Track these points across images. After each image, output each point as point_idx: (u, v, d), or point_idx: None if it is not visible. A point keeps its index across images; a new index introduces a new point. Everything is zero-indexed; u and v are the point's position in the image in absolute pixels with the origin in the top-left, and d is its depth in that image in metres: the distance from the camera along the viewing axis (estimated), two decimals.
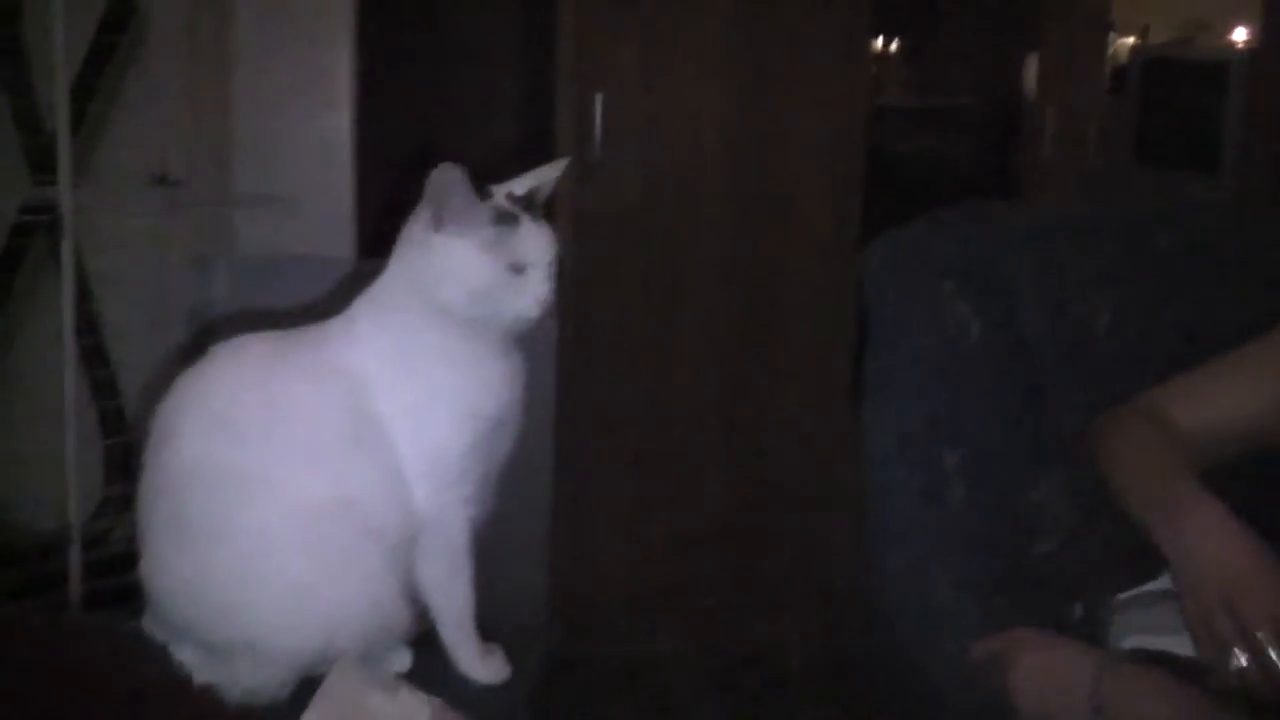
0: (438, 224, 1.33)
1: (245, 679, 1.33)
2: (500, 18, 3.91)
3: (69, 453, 2.39)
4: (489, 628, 1.51)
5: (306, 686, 1.31)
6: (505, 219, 1.34)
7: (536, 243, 1.36)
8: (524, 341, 1.43)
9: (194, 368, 1.39)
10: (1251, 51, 4.01)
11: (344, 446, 1.34)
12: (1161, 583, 1.43)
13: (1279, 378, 1.54)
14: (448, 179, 1.32)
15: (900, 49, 5.20)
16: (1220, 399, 1.57)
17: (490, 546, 1.49)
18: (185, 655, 1.36)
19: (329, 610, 1.33)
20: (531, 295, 1.35)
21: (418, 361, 1.36)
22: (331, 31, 2.99)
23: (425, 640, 1.47)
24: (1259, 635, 1.33)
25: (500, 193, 1.38)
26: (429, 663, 1.46)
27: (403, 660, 1.45)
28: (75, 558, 2.41)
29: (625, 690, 3.26)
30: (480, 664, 1.48)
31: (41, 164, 2.53)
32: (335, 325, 1.41)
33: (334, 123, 3.00)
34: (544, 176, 1.41)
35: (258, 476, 1.31)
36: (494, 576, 1.50)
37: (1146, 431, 1.54)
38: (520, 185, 1.40)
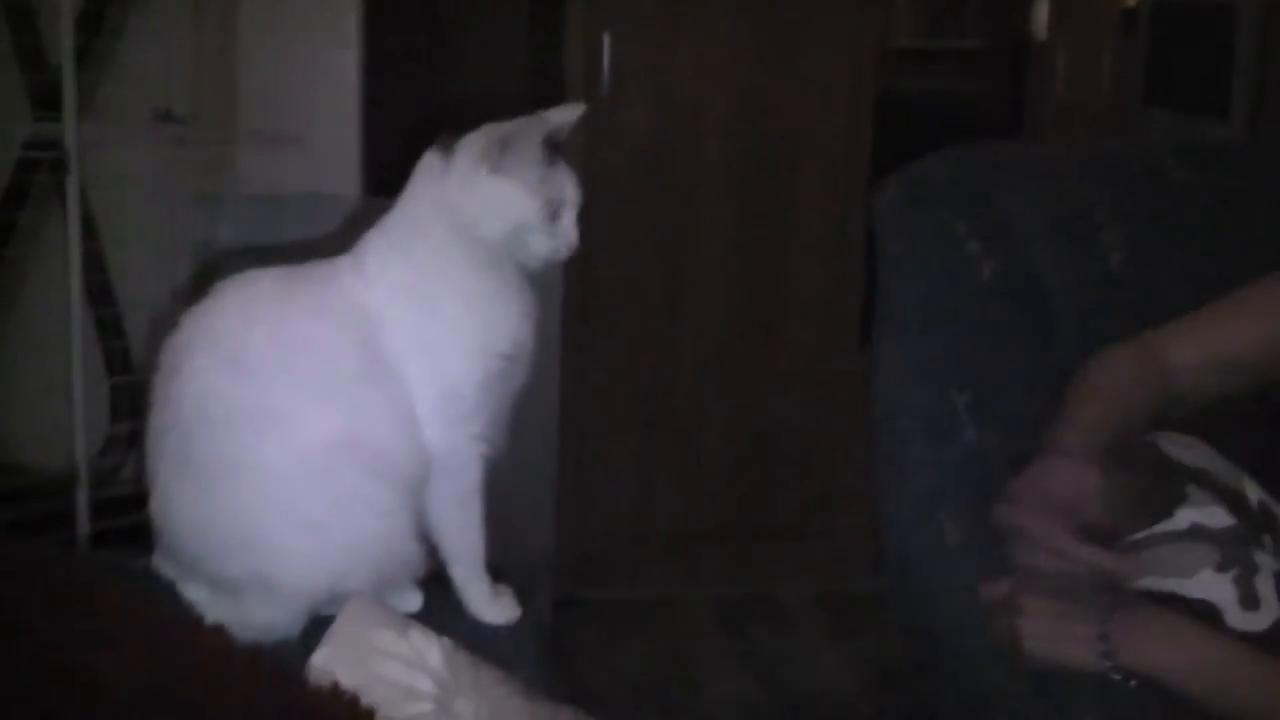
0: (494, 166, 1.34)
1: (255, 616, 1.33)
2: None
3: (76, 391, 2.39)
4: (497, 571, 1.51)
5: (317, 626, 1.31)
6: (550, 161, 1.37)
7: (571, 184, 1.39)
8: (533, 281, 1.43)
9: (202, 303, 1.38)
10: None
11: (354, 382, 1.34)
12: (1172, 524, 1.43)
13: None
14: (527, 126, 1.35)
15: None
16: (1225, 332, 1.56)
17: (498, 491, 1.49)
18: (195, 593, 1.36)
19: (339, 545, 1.33)
20: (564, 237, 1.38)
21: (431, 297, 1.36)
22: None
23: (435, 581, 1.47)
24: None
25: (534, 130, 1.38)
26: (439, 604, 1.46)
27: (414, 601, 1.45)
28: (82, 496, 2.41)
29: (632, 632, 3.28)
30: (490, 604, 1.49)
31: (45, 100, 2.52)
32: (345, 261, 1.40)
33: (341, 60, 2.98)
34: (565, 117, 1.41)
35: (267, 411, 1.31)
36: (502, 520, 1.50)
37: (1115, 369, 1.53)
38: (535, 127, 1.40)
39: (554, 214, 1.37)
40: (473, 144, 1.37)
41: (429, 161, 1.39)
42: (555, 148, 1.39)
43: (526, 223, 1.35)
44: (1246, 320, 1.55)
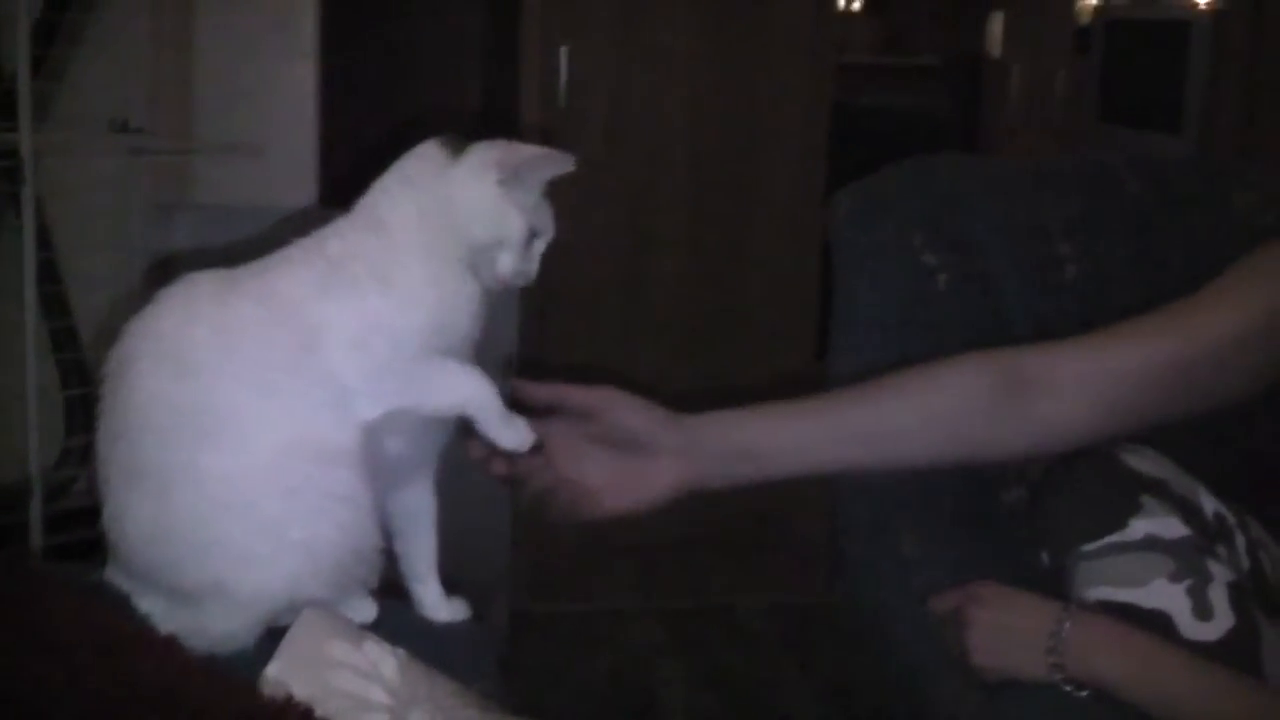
0: (506, 177, 1.37)
1: (212, 626, 1.32)
2: None
3: (30, 403, 2.36)
4: (452, 584, 1.51)
5: (272, 638, 1.30)
6: (543, 192, 1.41)
7: (550, 220, 1.43)
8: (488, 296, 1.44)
9: (144, 310, 1.37)
10: (1214, 11, 4.02)
11: (296, 372, 1.33)
12: (1126, 534, 1.43)
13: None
14: (548, 159, 1.39)
15: (864, 6, 5.19)
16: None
17: (450, 503, 1.49)
18: (150, 605, 1.35)
19: (297, 545, 1.32)
20: (530, 264, 1.41)
21: (389, 272, 1.35)
22: None
23: (389, 593, 1.46)
24: None
25: (527, 158, 1.41)
26: (392, 615, 1.46)
27: (368, 611, 1.44)
28: (36, 509, 2.39)
29: (586, 644, 3.27)
30: (441, 603, 1.50)
31: (0, 109, 2.50)
32: (296, 247, 1.39)
33: (298, 71, 2.97)
34: (565, 166, 1.43)
35: (213, 411, 1.30)
36: (456, 533, 1.50)
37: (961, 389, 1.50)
38: (521, 157, 1.43)
39: (530, 241, 1.40)
40: (491, 151, 1.39)
41: (427, 150, 1.40)
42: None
43: (510, 240, 1.38)
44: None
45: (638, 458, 1.47)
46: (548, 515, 1.47)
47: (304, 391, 1.32)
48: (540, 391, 1.48)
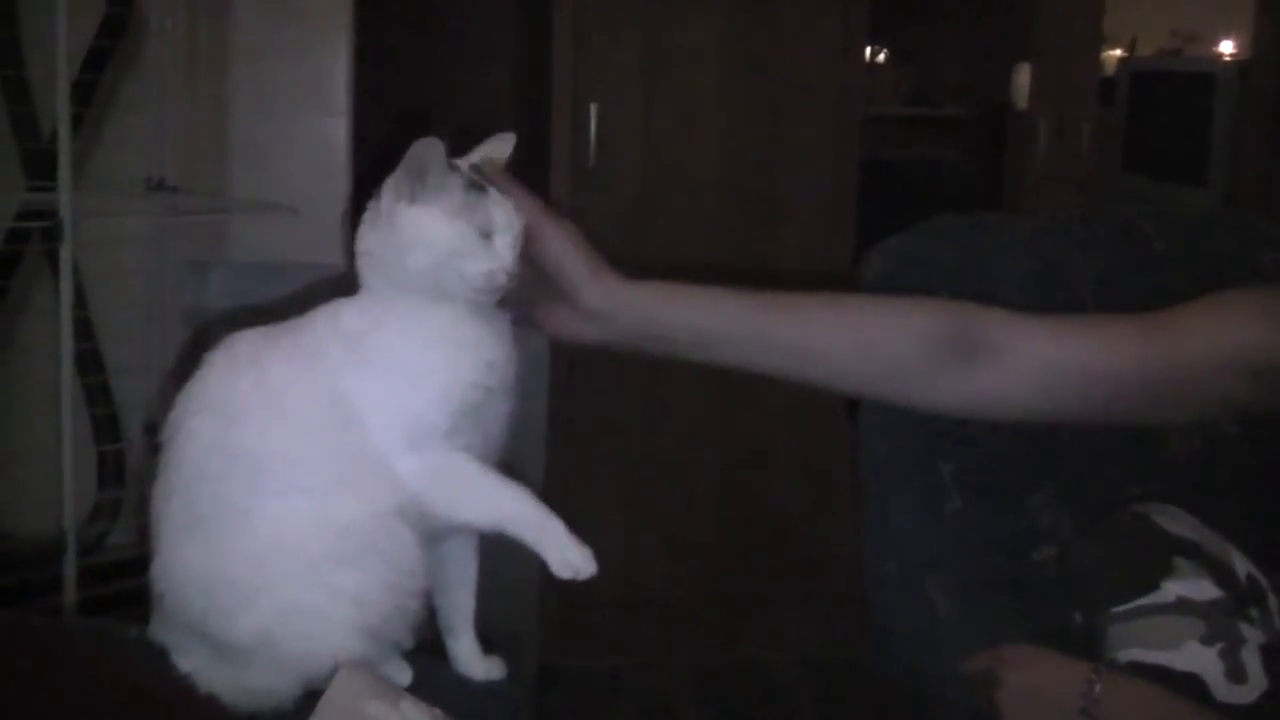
0: (412, 196, 1.34)
1: (255, 683, 1.33)
2: (496, 27, 3.92)
3: (66, 458, 2.38)
4: (482, 640, 1.52)
5: (308, 699, 1.30)
6: (474, 187, 1.36)
7: (503, 210, 1.37)
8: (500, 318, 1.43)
9: (193, 378, 1.39)
10: (1238, 63, 4.03)
11: (339, 427, 1.34)
12: (1158, 596, 1.43)
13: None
14: (431, 151, 1.33)
15: (890, 58, 5.21)
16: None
17: (480, 556, 1.49)
18: (192, 661, 1.36)
19: (349, 591, 1.33)
20: (498, 259, 1.35)
21: (389, 347, 1.36)
22: (329, 38, 3.00)
23: (424, 654, 1.46)
24: None
25: (464, 165, 1.39)
26: (428, 677, 1.46)
27: (403, 674, 1.45)
28: (71, 564, 2.41)
29: (616, 700, 3.26)
30: (478, 660, 1.50)
31: (38, 168, 2.53)
32: (322, 312, 1.41)
33: (330, 129, 3.01)
34: (496, 150, 1.43)
35: (265, 456, 1.31)
36: (485, 589, 1.50)
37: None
38: (473, 158, 1.42)
39: (484, 238, 1.35)
40: (390, 181, 1.36)
41: (368, 212, 1.39)
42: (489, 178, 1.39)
43: (452, 248, 1.34)
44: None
45: (559, 296, 1.44)
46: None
47: (348, 445, 1.34)
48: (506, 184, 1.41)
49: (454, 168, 1.37)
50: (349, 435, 1.34)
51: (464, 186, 1.35)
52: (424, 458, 1.36)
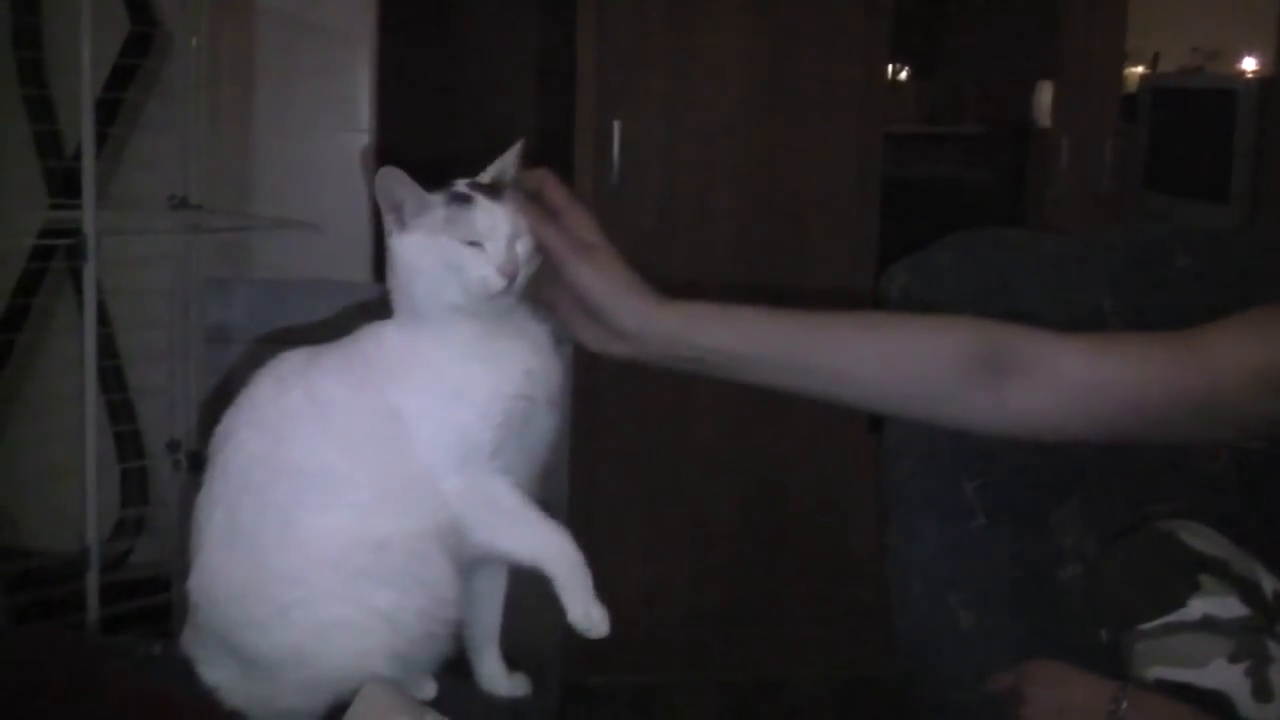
0: (400, 225, 1.35)
1: (282, 699, 1.33)
2: (519, 45, 3.94)
3: (89, 475, 2.39)
4: (507, 658, 1.52)
5: (332, 714, 1.31)
6: (458, 200, 1.35)
7: (491, 217, 1.35)
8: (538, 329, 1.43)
9: (241, 394, 1.40)
10: (1260, 80, 4.02)
11: (383, 443, 1.35)
12: (1185, 613, 1.43)
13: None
14: (391, 180, 1.34)
15: (912, 77, 5.21)
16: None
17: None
18: (219, 676, 1.36)
19: (383, 610, 1.33)
20: (492, 264, 1.35)
21: (428, 367, 1.37)
22: (352, 54, 3.01)
23: (448, 671, 1.46)
24: None
25: (461, 183, 1.39)
26: (452, 692, 1.46)
27: (428, 689, 1.45)
28: (93, 581, 2.41)
29: (640, 718, 3.26)
30: (504, 677, 1.51)
31: (62, 186, 2.54)
32: (352, 339, 1.42)
33: (354, 145, 3.01)
34: (505, 163, 1.43)
35: (310, 471, 1.32)
36: (508, 605, 1.50)
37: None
38: (485, 175, 1.42)
39: (473, 246, 1.34)
40: (385, 219, 1.37)
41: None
42: (493, 190, 1.38)
43: (444, 261, 1.34)
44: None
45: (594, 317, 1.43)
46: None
47: (393, 464, 1.34)
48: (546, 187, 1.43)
49: (446, 186, 1.37)
50: (394, 454, 1.35)
51: (445, 202, 1.35)
52: (470, 480, 1.36)
